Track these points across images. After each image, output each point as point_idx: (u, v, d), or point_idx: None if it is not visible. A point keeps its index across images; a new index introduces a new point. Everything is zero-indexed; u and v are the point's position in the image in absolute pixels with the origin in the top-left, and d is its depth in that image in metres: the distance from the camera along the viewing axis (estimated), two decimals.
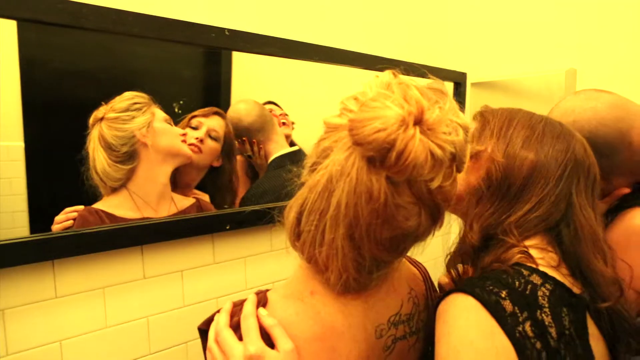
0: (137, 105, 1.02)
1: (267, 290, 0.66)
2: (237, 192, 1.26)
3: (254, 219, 1.16)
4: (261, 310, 0.62)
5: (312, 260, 0.61)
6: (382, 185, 0.52)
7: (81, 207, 0.95)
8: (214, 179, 1.21)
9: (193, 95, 1.22)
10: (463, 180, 0.74)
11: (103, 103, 0.99)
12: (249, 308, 0.62)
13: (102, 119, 0.99)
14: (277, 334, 0.59)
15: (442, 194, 0.56)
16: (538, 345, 0.56)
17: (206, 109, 1.19)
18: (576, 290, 0.65)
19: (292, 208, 0.61)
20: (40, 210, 0.91)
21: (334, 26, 1.42)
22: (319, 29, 1.36)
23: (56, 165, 0.96)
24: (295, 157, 1.33)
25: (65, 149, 0.98)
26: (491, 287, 0.59)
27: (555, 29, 1.56)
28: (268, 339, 0.59)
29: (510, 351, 0.55)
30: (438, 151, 0.51)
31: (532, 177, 0.69)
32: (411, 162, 0.49)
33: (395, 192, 0.53)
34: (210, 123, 1.17)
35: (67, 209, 0.93)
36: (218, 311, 0.65)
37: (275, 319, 0.60)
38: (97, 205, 0.98)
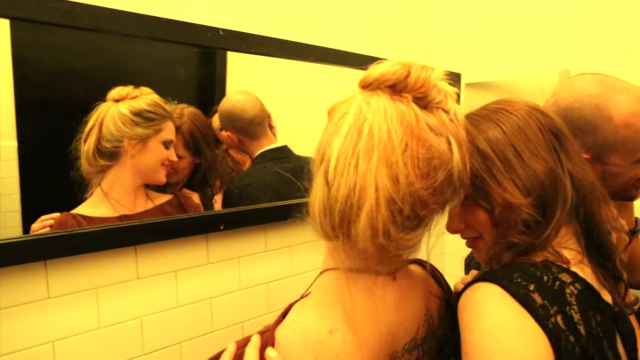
0: (151, 115, 1.02)
1: (273, 327, 0.62)
2: (215, 184, 1.25)
3: (249, 218, 1.16)
4: (269, 351, 0.58)
5: (343, 231, 0.55)
6: (411, 106, 0.55)
7: (57, 214, 0.93)
8: (190, 177, 1.20)
9: (187, 95, 1.21)
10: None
11: (132, 87, 0.99)
12: (250, 353, 0.59)
13: (118, 101, 0.98)
14: None
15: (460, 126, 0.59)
16: (572, 338, 0.55)
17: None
18: (605, 296, 0.64)
19: (316, 185, 0.58)
20: (33, 210, 0.90)
21: (329, 26, 1.42)
22: (313, 29, 1.36)
23: (49, 165, 0.96)
24: (282, 153, 1.34)
25: (58, 149, 0.97)
26: (519, 280, 0.58)
27: (549, 29, 1.57)
28: None
29: (545, 340, 0.54)
30: (442, 84, 0.57)
31: (553, 182, 0.66)
32: (428, 82, 0.55)
33: (423, 112, 0.56)
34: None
35: (43, 217, 0.91)
36: (222, 352, 0.62)
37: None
38: (75, 210, 0.97)
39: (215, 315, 1.12)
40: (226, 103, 1.26)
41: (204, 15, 1.09)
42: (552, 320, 0.55)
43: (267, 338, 0.60)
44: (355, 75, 1.42)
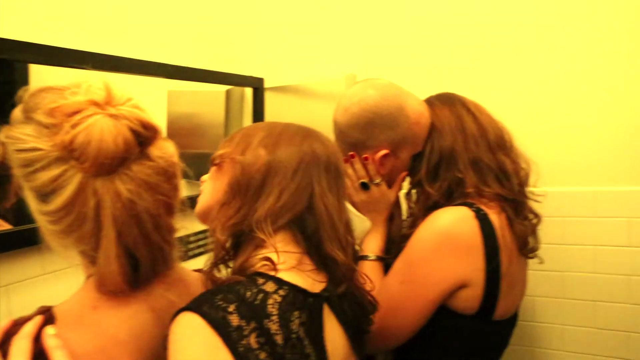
0: None
1: (54, 306, 0.64)
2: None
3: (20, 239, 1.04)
4: (48, 329, 0.59)
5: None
6: None
7: None
8: None
9: None
10: (212, 190, 0.79)
11: None
12: (28, 329, 0.58)
13: None
14: (56, 357, 0.56)
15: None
16: (262, 355, 0.59)
17: None
18: (318, 286, 0.72)
19: None
20: None
21: (120, 33, 1.36)
22: (100, 36, 1.28)
23: None
24: None
25: None
26: (220, 303, 0.61)
27: (337, 35, 1.74)
28: None
29: None
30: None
31: (269, 172, 0.73)
32: None
33: None
34: None
35: None
36: None
37: (60, 340, 0.57)
38: None
39: None
40: None
41: None
42: (244, 342, 0.58)
43: (48, 317, 0.61)
44: (159, 84, 1.39)
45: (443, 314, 0.98)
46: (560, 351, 1.51)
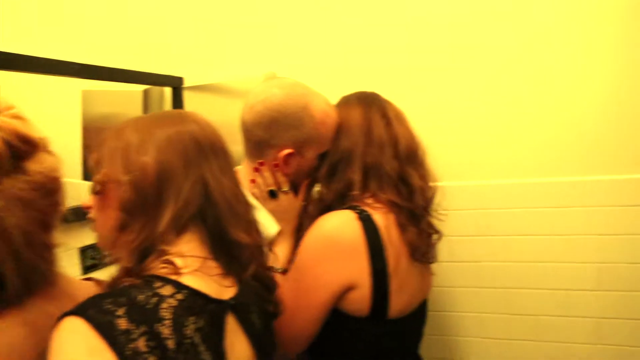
0: None
1: None
2: None
3: None
4: None
5: None
6: None
7: None
8: None
9: None
10: (105, 219, 0.73)
11: None
12: None
13: None
14: None
15: None
16: (151, 359, 0.58)
17: None
18: (225, 292, 0.70)
19: None
20: None
21: (28, 30, 1.27)
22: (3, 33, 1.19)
23: None
24: None
25: None
26: (109, 306, 0.59)
27: (257, 33, 1.71)
28: None
29: None
30: None
31: (162, 179, 0.69)
32: None
33: None
34: None
35: None
36: None
37: None
38: None
39: None
40: None
41: None
42: (132, 346, 0.57)
43: None
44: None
45: (340, 318, 0.98)
46: (479, 338, 1.57)
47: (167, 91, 1.79)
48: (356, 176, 1.02)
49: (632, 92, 1.39)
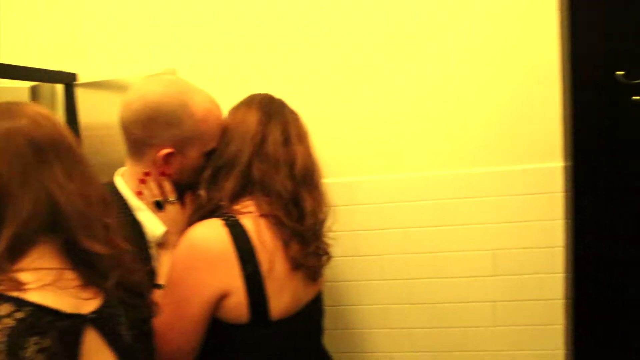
0: None
1: None
2: None
3: None
4: None
5: None
6: None
7: None
8: None
9: None
10: None
11: None
12: None
13: None
14: None
15: None
16: None
17: None
18: (86, 306, 0.66)
19: None
20: None
21: None
22: None
23: None
24: None
25: None
26: None
27: (156, 27, 1.64)
28: None
29: None
30: None
31: None
32: None
33: None
34: None
35: None
36: None
37: None
38: None
39: None
40: None
41: None
42: None
43: None
44: None
45: (222, 328, 0.95)
46: (385, 329, 1.61)
47: (59, 88, 1.68)
48: (230, 185, 0.98)
49: (526, 91, 1.47)
